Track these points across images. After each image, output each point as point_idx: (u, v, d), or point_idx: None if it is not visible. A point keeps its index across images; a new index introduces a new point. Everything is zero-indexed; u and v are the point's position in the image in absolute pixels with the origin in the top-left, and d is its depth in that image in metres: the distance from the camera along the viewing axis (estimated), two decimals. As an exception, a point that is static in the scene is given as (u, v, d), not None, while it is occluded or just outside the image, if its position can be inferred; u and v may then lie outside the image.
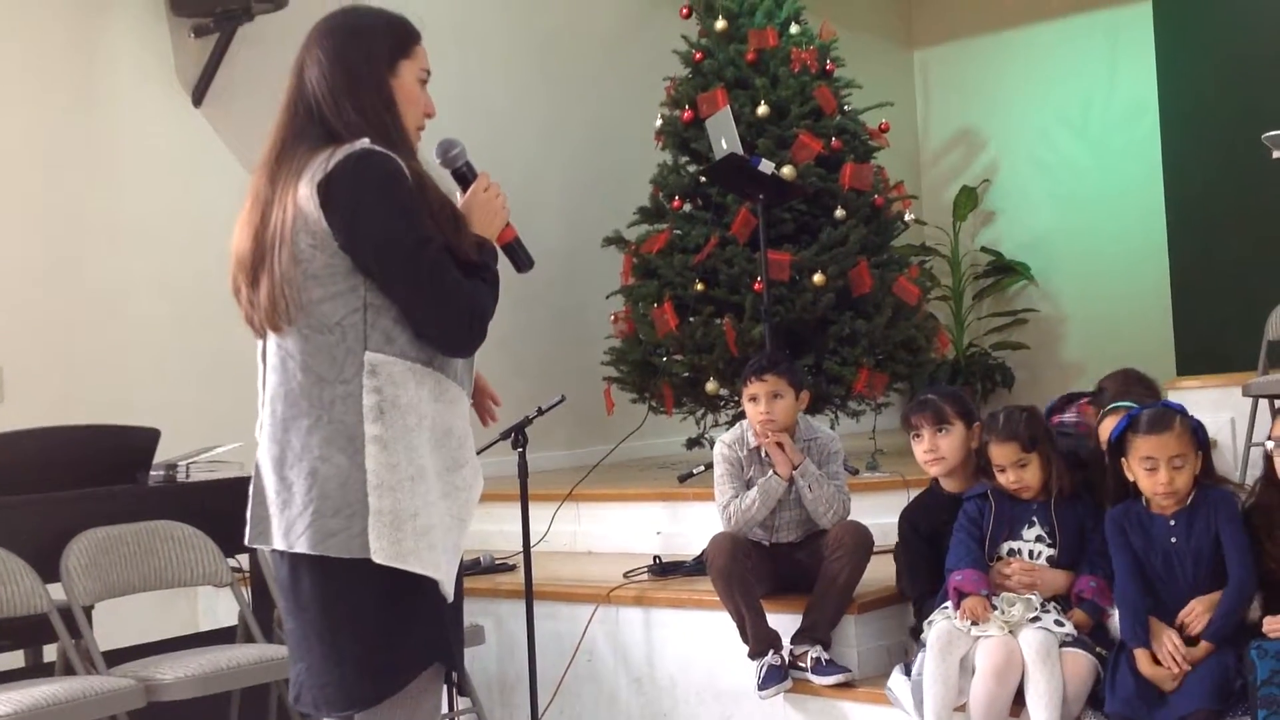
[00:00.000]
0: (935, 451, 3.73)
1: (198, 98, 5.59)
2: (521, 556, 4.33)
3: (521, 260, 2.45)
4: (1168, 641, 3.17)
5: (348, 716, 2.27)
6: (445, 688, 2.36)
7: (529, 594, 4.28)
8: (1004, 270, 8.54)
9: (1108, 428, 3.55)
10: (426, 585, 2.19)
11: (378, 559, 2.13)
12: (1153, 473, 3.23)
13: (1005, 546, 3.59)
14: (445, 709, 4.30)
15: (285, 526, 2.21)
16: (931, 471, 3.77)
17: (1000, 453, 3.57)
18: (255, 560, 4.10)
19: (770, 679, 3.85)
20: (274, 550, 2.26)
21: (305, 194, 2.19)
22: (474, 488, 2.29)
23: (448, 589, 2.23)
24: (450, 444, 2.25)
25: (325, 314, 2.19)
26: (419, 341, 2.21)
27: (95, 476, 4.01)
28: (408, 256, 2.17)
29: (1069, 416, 4.02)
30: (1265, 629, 3.08)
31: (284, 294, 2.19)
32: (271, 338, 2.26)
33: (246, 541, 2.32)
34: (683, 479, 5.27)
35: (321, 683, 2.21)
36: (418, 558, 2.15)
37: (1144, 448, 3.24)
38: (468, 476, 2.27)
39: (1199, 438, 3.26)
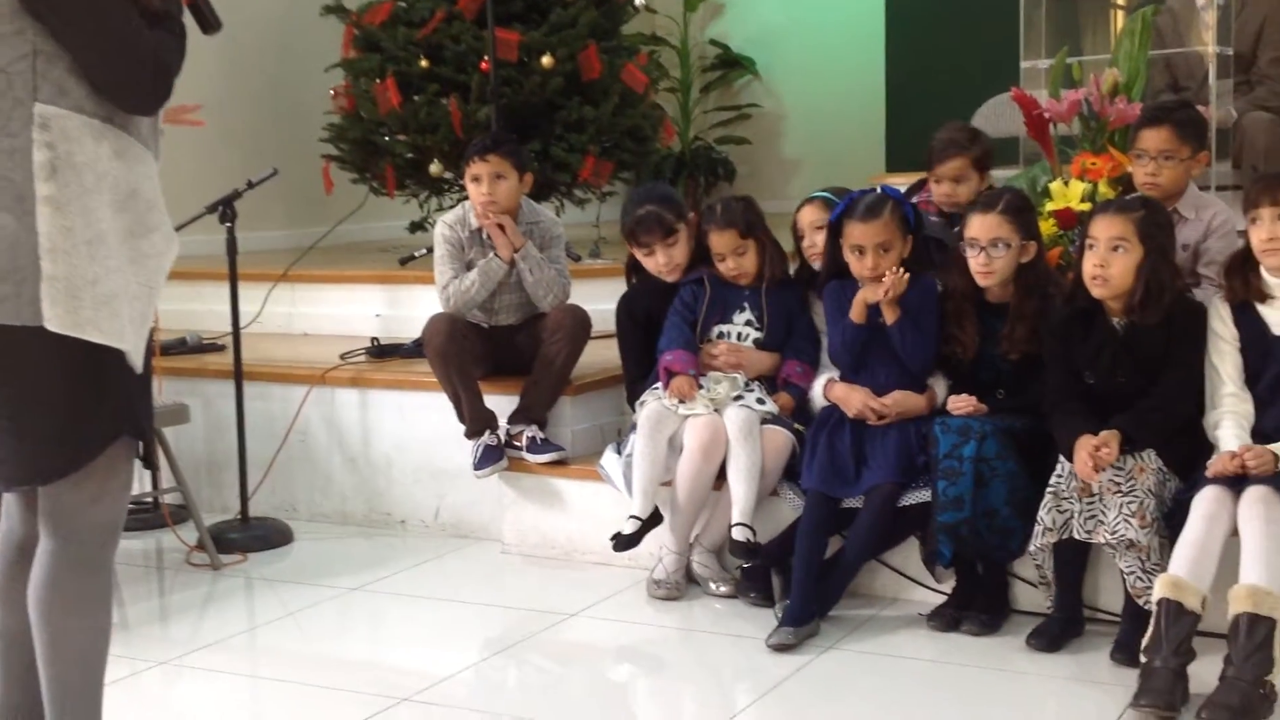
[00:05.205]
0: (671, 260, 3.75)
1: None
2: (231, 337, 4.20)
3: (208, 20, 2.26)
4: (860, 400, 3.37)
5: (30, 490, 2.16)
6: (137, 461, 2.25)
7: (238, 373, 4.17)
8: (730, 64, 8.60)
9: (804, 216, 3.70)
10: (111, 356, 2.07)
11: (52, 327, 1.99)
12: (861, 257, 3.37)
13: (716, 330, 3.70)
14: (149, 488, 4.19)
15: None
16: (669, 280, 3.79)
17: (719, 241, 3.66)
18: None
19: (486, 459, 3.90)
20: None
21: None
22: (165, 255, 2.15)
23: (135, 360, 2.12)
24: (136, 207, 2.10)
25: None
26: (97, 95, 2.04)
27: None
28: None
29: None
30: (950, 407, 3.30)
31: None
32: None
33: None
34: (404, 262, 5.19)
35: (0, 457, 2.09)
36: (97, 326, 2.02)
37: (854, 234, 3.37)
38: (158, 243, 2.13)
39: (910, 223, 3.41)
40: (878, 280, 3.35)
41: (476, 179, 3.95)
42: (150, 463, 4.08)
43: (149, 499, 4.24)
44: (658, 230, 3.72)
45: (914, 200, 3.80)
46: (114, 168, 2.06)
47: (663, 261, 3.75)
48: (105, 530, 2.16)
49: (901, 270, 3.32)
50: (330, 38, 6.02)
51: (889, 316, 3.36)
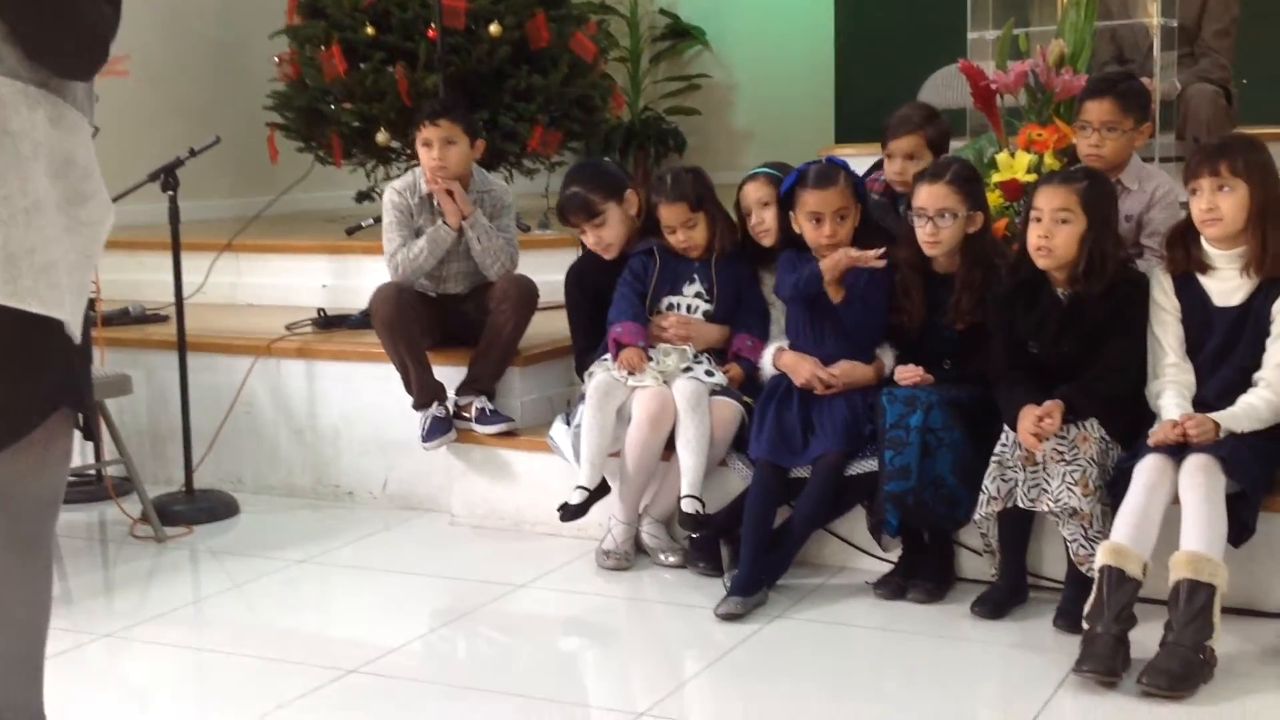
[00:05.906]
0: (601, 241, 3.75)
1: None
2: (174, 307, 4.14)
3: None
4: (808, 369, 3.38)
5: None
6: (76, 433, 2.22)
7: (182, 344, 4.12)
8: (680, 34, 8.56)
9: (749, 193, 3.68)
10: (50, 326, 2.03)
11: None
12: (818, 225, 3.37)
13: (665, 301, 3.70)
14: (92, 460, 4.14)
15: None
16: (607, 258, 3.78)
17: (669, 214, 3.65)
18: None
19: (435, 430, 3.88)
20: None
21: None
22: (102, 223, 2.11)
23: (74, 330, 2.08)
24: (73, 175, 2.05)
25: None
26: (30, 61, 1.99)
27: None
28: None
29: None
30: (896, 377, 3.32)
31: None
32: None
33: None
34: (350, 231, 5.14)
35: (-64, 429, 2.04)
36: (36, 296, 1.98)
37: (810, 202, 3.37)
38: (95, 211, 2.09)
39: (859, 192, 3.43)
40: (834, 248, 3.36)
41: (427, 144, 3.91)
42: (91, 434, 4.06)
43: (92, 471, 4.19)
44: (582, 213, 3.71)
45: (869, 179, 3.81)
46: (50, 135, 2.02)
47: (593, 241, 3.75)
48: (44, 503, 2.12)
49: (870, 252, 3.32)
50: (274, 3, 5.94)
51: (834, 296, 3.36)
